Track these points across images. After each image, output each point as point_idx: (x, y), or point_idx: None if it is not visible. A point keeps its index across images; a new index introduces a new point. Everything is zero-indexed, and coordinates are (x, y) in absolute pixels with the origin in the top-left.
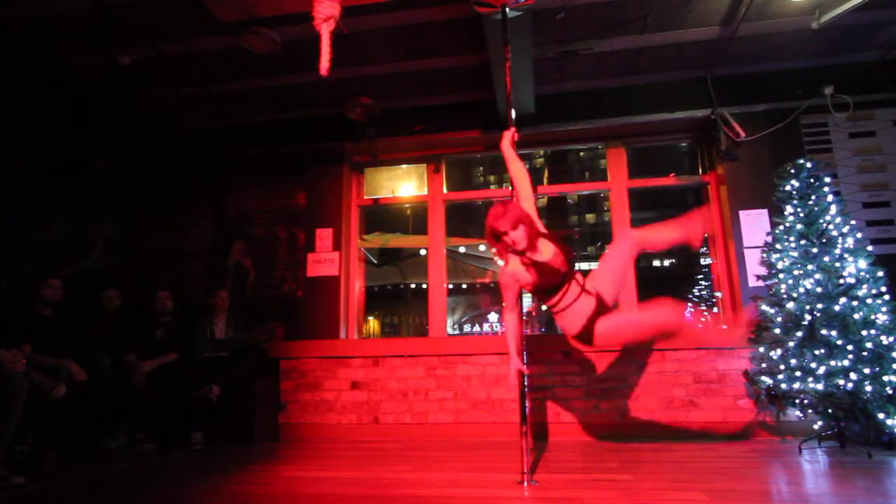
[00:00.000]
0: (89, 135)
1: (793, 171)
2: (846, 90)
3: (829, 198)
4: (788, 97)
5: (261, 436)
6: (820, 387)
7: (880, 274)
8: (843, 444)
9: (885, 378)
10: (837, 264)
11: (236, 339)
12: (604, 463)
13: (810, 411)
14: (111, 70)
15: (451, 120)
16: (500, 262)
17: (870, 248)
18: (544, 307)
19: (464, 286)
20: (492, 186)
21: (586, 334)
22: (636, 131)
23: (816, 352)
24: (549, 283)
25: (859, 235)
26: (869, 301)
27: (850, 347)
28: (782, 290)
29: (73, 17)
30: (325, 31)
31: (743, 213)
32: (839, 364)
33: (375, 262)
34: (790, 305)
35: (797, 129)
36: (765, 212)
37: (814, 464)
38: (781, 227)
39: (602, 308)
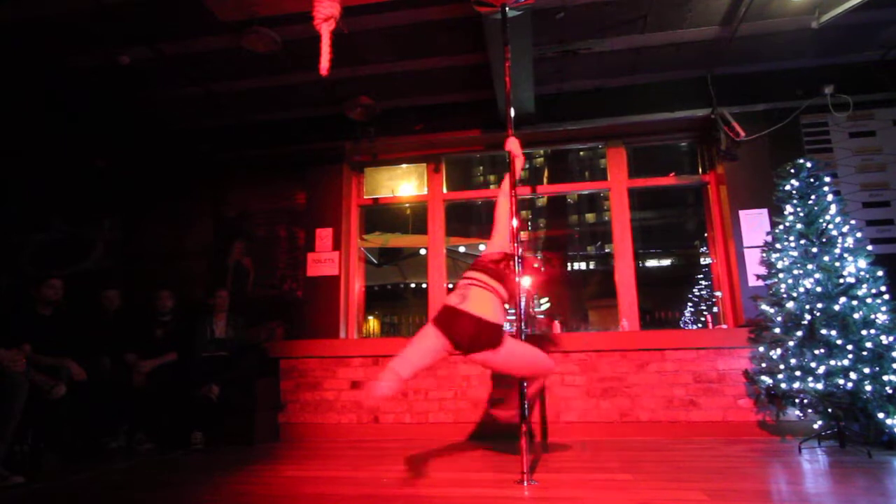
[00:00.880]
0: (89, 134)
1: (793, 170)
2: (846, 90)
3: (829, 197)
4: (788, 97)
5: (261, 435)
6: (820, 386)
7: (880, 273)
8: (843, 443)
9: (885, 377)
10: (837, 264)
11: (236, 339)
12: (604, 462)
13: (810, 411)
14: (111, 70)
15: (451, 119)
16: None
17: (869, 247)
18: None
19: None
20: (492, 186)
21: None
22: (636, 131)
23: (816, 351)
24: None
25: (859, 235)
26: (869, 300)
27: (849, 347)
28: (782, 290)
29: (73, 17)
30: (325, 30)
31: (743, 213)
32: (839, 363)
33: (375, 261)
34: (790, 305)
35: (797, 129)
36: (765, 211)
37: (813, 463)
38: (781, 227)
39: None
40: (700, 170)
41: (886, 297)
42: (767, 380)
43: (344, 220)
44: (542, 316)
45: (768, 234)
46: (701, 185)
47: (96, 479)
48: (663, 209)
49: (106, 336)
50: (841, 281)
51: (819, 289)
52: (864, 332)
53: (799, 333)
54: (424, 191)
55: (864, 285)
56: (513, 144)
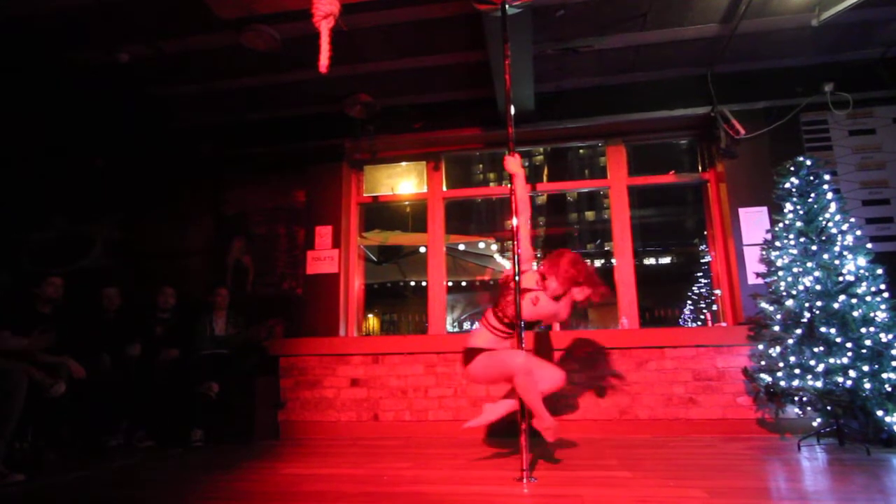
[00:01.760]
0: (88, 132)
1: (792, 168)
2: (846, 88)
3: (829, 195)
4: (788, 94)
5: (260, 433)
6: (819, 384)
7: (879, 271)
8: (842, 441)
9: (884, 375)
10: (837, 262)
11: (236, 337)
12: (603, 460)
13: (809, 409)
14: (110, 67)
15: (451, 117)
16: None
17: (869, 245)
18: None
19: (463, 284)
20: (491, 184)
21: None
22: (636, 129)
23: (815, 349)
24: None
25: (859, 233)
26: (868, 299)
27: (849, 345)
28: (782, 288)
29: (71, 14)
30: (325, 28)
31: (742, 211)
32: (838, 361)
33: (375, 259)
34: (789, 303)
35: (797, 127)
36: (764, 209)
37: (812, 461)
38: (781, 225)
39: None
40: (700, 168)
41: (886, 295)
42: (767, 378)
43: (344, 218)
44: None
45: (768, 231)
46: (701, 183)
47: (96, 476)
48: (663, 207)
49: (106, 334)
50: (840, 279)
51: (818, 287)
52: (863, 330)
53: (798, 331)
54: (424, 189)
55: (864, 283)
56: (512, 164)
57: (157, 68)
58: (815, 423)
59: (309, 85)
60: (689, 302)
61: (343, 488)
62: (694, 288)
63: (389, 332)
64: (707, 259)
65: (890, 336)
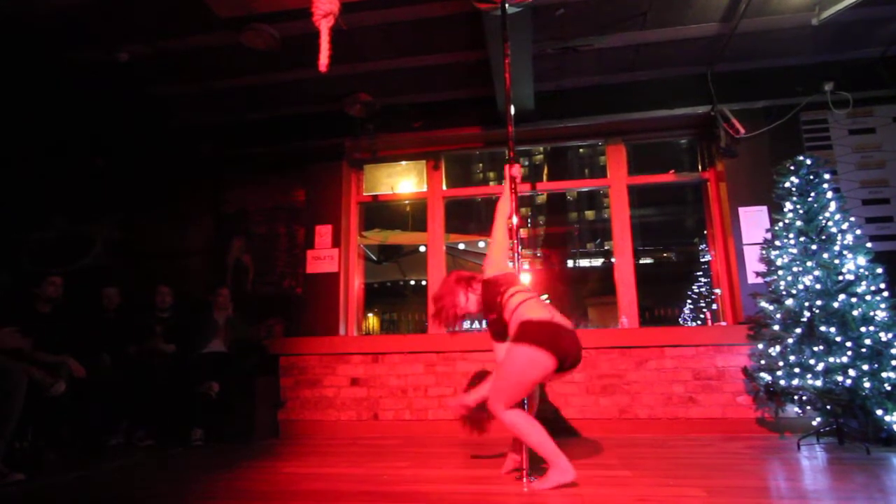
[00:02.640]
0: (88, 132)
1: (792, 167)
2: (846, 87)
3: (829, 195)
4: (788, 94)
5: (260, 432)
6: (819, 383)
7: (879, 271)
8: (842, 440)
9: (884, 374)
10: (836, 261)
11: (236, 336)
12: (603, 459)
13: (809, 408)
14: (110, 67)
15: (451, 116)
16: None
17: (869, 244)
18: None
19: None
20: (491, 183)
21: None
22: (636, 128)
23: (815, 348)
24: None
25: (858, 232)
26: (868, 298)
27: (848, 344)
28: (781, 287)
29: (71, 14)
30: (324, 27)
31: (742, 210)
32: (838, 361)
33: (375, 258)
34: (789, 302)
35: (797, 126)
36: (764, 208)
37: (812, 460)
38: (781, 224)
39: None
40: (700, 167)
41: (885, 294)
42: (766, 377)
43: (343, 217)
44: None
45: (768, 231)
46: (700, 183)
47: (96, 475)
48: (663, 206)
49: (105, 333)
50: (840, 278)
51: (818, 286)
52: (863, 329)
53: (798, 330)
54: (424, 188)
55: (864, 282)
56: (518, 171)
57: (157, 68)
58: (814, 423)
59: (309, 84)
60: (689, 301)
61: (343, 487)
62: (694, 287)
63: (389, 332)
64: (707, 258)
65: (889, 335)
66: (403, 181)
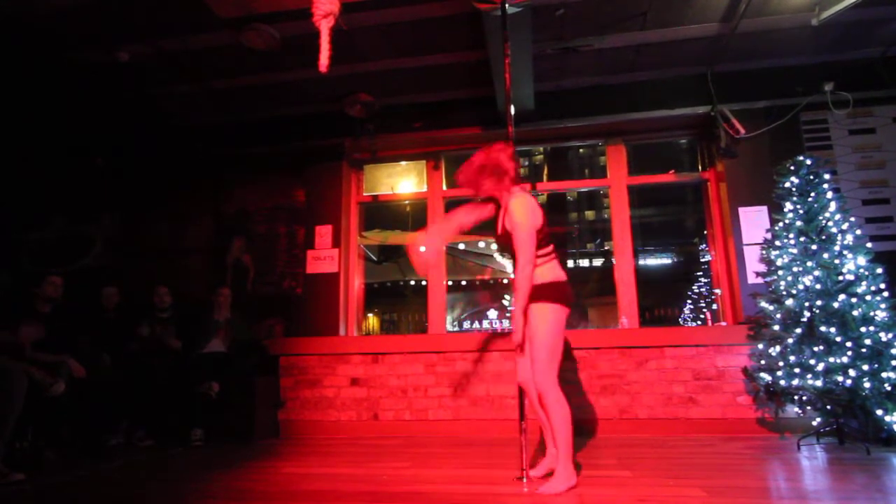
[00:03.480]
0: (88, 132)
1: (792, 167)
2: (846, 87)
3: (829, 195)
4: (788, 94)
5: (260, 432)
6: (819, 383)
7: (879, 271)
8: (842, 440)
9: (884, 375)
10: (837, 261)
11: (236, 336)
12: (603, 459)
13: (809, 408)
14: (110, 66)
15: (451, 116)
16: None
17: (869, 244)
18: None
19: (463, 283)
20: None
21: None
22: (636, 128)
23: (815, 348)
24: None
25: (858, 232)
26: (868, 298)
27: (848, 344)
28: (781, 287)
29: (71, 14)
30: (325, 27)
31: (742, 210)
32: (838, 361)
33: (375, 258)
34: (789, 302)
35: (797, 126)
36: (764, 209)
37: (812, 460)
38: (781, 224)
39: None
40: (700, 167)
41: (885, 294)
42: (767, 377)
43: (343, 218)
44: None
45: (768, 231)
46: (701, 183)
47: (96, 475)
48: (663, 206)
49: (105, 333)
50: (840, 278)
51: (818, 286)
52: (863, 330)
53: (798, 331)
54: (424, 188)
55: (864, 282)
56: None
57: (156, 68)
58: (814, 423)
59: (309, 84)
60: (689, 301)
61: (343, 487)
62: (694, 287)
63: (389, 332)
64: (707, 258)
65: (889, 335)
66: (403, 181)
